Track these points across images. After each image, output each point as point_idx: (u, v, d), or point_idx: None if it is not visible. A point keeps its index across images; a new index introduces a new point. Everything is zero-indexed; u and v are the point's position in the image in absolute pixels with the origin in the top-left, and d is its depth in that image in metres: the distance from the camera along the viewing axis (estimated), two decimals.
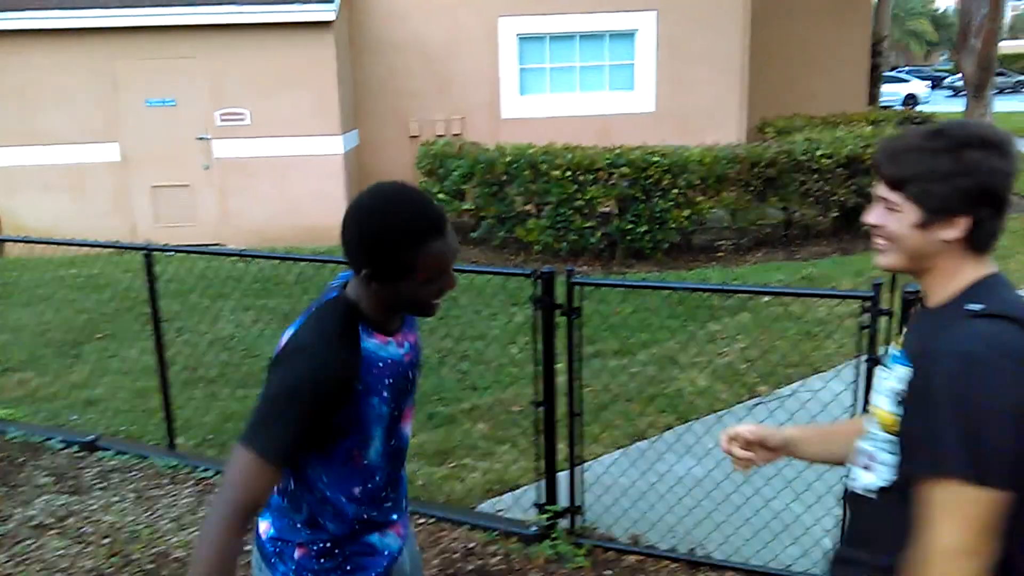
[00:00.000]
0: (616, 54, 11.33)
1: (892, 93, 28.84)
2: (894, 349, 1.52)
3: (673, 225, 8.52)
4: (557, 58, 11.38)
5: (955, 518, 1.30)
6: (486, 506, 3.88)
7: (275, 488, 1.64)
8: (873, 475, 1.49)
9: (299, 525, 1.72)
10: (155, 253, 4.31)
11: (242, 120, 10.21)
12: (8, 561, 3.47)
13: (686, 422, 4.66)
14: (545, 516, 3.54)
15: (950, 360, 1.33)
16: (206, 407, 5.08)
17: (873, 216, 1.50)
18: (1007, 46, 42.13)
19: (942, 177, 1.40)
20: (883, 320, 3.00)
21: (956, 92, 36.21)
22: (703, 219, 8.77)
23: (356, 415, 1.63)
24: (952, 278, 1.45)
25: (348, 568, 1.75)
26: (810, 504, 3.62)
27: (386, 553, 1.82)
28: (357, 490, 1.71)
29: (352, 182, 10.61)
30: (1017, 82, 38.35)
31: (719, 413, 4.74)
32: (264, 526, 1.77)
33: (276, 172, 10.29)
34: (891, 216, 1.47)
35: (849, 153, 8.71)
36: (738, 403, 4.89)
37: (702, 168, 8.47)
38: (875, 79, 16.01)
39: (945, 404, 1.31)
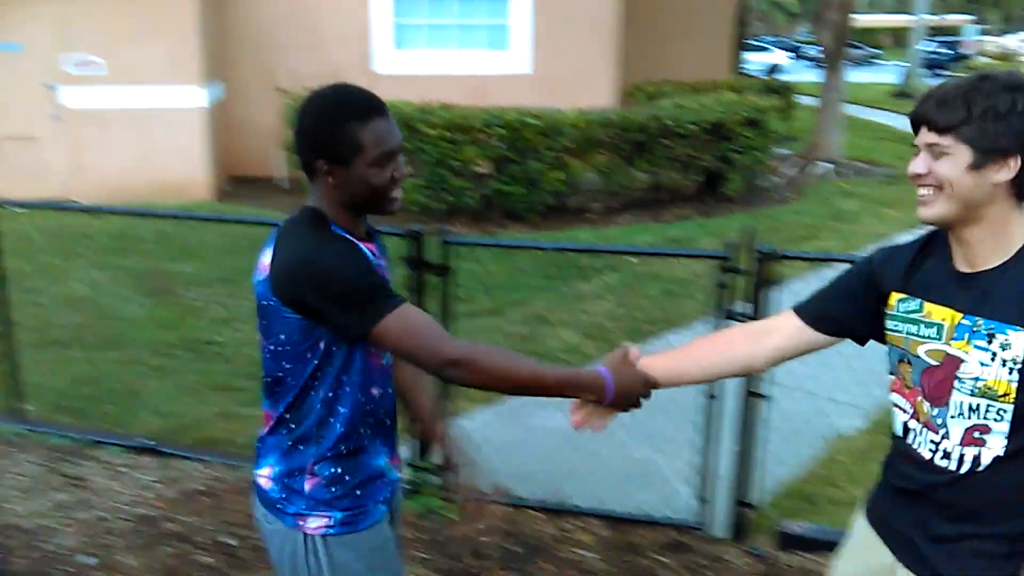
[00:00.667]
0: (493, 13, 11.26)
1: (756, 62, 29.99)
2: (958, 320, 1.48)
3: (547, 187, 8.63)
4: (434, 14, 11.21)
5: None
6: None
7: (269, 423, 1.75)
8: (982, 447, 1.48)
9: (304, 446, 1.72)
10: None
11: (96, 68, 9.55)
12: None
13: None
14: (417, 473, 3.58)
15: None
16: (57, 371, 4.81)
17: (920, 165, 1.49)
18: (864, 20, 44.56)
19: (996, 117, 1.41)
20: (738, 279, 3.16)
21: (815, 63, 38.07)
22: (576, 181, 8.93)
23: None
24: (1005, 231, 1.47)
25: (359, 494, 1.75)
26: (667, 453, 3.80)
27: (387, 480, 1.84)
28: (376, 391, 1.75)
29: (216, 136, 10.16)
30: (870, 55, 40.65)
31: (581, 368, 4.88)
32: (265, 472, 1.77)
33: (134, 124, 9.71)
34: (941, 161, 1.46)
35: (714, 119, 9.03)
36: (602, 357, 5.05)
37: (576, 131, 8.59)
38: (740, 47, 16.62)
39: None
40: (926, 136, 1.48)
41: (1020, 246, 1.46)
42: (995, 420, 1.45)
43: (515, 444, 3.88)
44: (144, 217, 4.12)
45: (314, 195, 1.72)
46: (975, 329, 1.46)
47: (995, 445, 1.47)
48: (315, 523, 1.72)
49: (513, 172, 8.49)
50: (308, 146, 1.66)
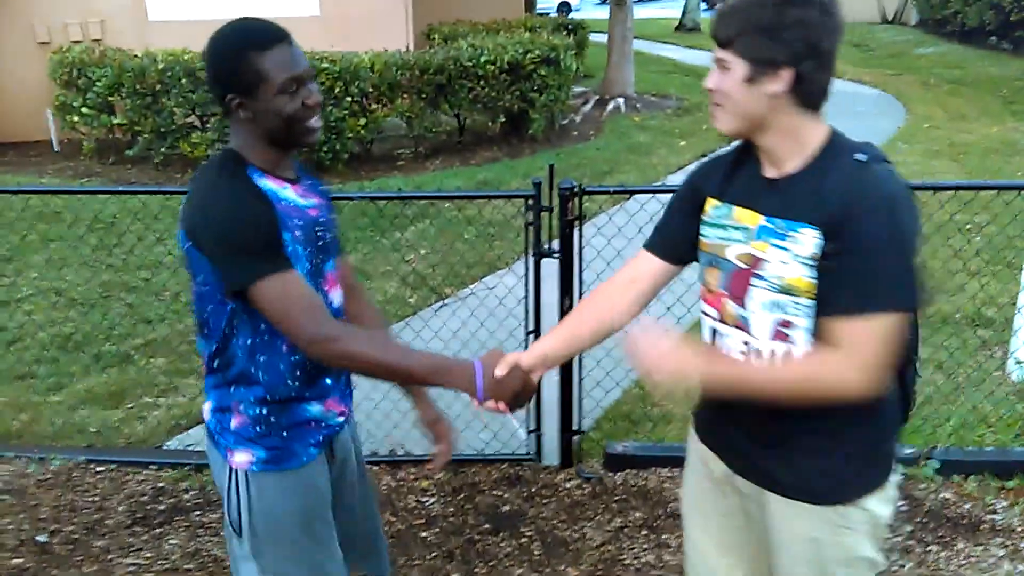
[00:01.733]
0: None
1: (547, 1, 30.44)
2: (760, 222, 1.55)
3: (351, 135, 8.39)
4: None
5: (887, 343, 1.45)
6: (173, 443, 3.66)
7: (203, 364, 1.75)
8: (787, 343, 1.55)
9: (232, 388, 1.72)
10: None
11: None
12: None
13: None
14: None
15: (887, 206, 1.43)
16: None
17: (709, 79, 1.55)
18: None
19: (765, 29, 1.45)
20: (544, 216, 3.22)
21: (603, 0, 39.21)
22: (380, 128, 8.75)
23: (284, 245, 1.64)
24: (797, 137, 1.53)
25: (285, 435, 1.74)
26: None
27: (323, 425, 1.81)
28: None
29: None
30: None
31: (407, 318, 4.87)
32: (206, 406, 1.80)
33: None
34: (723, 76, 1.52)
35: (510, 59, 9.10)
36: (426, 307, 5.06)
37: (374, 75, 8.38)
38: None
39: (892, 247, 1.43)
40: (715, 51, 1.54)
41: (814, 150, 1.53)
42: (797, 315, 1.52)
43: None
44: None
45: (234, 136, 1.70)
46: (775, 230, 1.52)
47: (800, 340, 1.53)
48: (240, 458, 1.74)
49: None
50: (216, 82, 1.65)
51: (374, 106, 8.55)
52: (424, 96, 8.85)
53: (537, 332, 3.36)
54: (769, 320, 1.55)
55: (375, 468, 3.44)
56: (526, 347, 3.34)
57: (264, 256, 1.59)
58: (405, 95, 8.73)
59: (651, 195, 3.36)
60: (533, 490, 3.33)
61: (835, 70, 1.52)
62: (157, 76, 7.97)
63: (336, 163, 8.43)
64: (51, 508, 3.19)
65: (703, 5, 27.98)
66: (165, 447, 3.62)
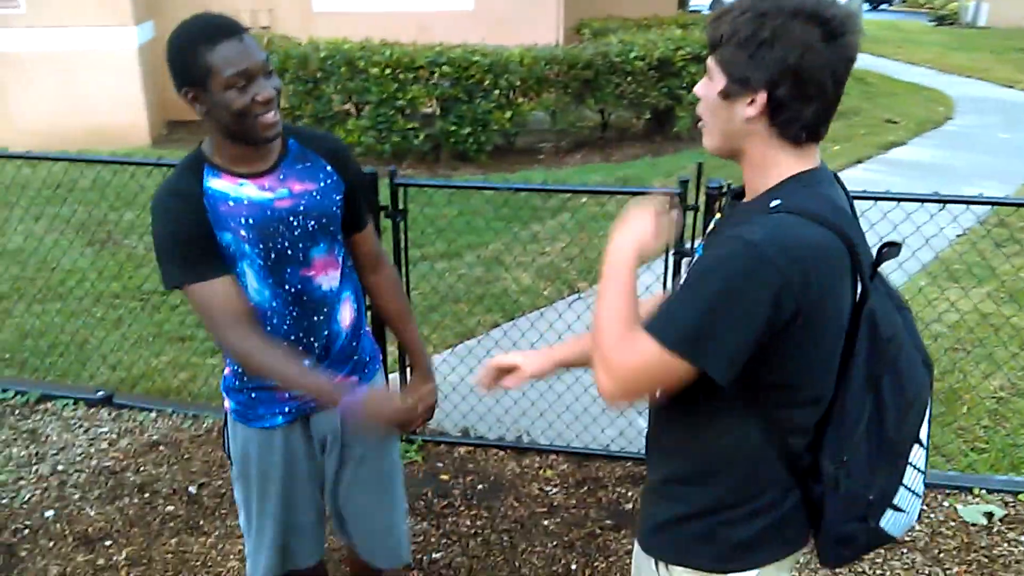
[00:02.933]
0: None
1: None
2: (699, 243, 1.47)
3: (496, 127, 8.53)
4: None
5: (645, 371, 1.28)
6: None
7: None
8: None
9: None
10: None
11: (16, 7, 9.05)
12: None
13: (511, 319, 4.81)
14: None
15: (729, 244, 1.24)
16: None
17: (698, 86, 1.37)
18: None
19: (744, 41, 1.25)
20: (689, 215, 3.19)
21: None
22: (525, 121, 8.84)
23: (218, 249, 1.75)
24: (764, 171, 1.34)
25: (253, 396, 1.94)
26: None
27: (288, 397, 1.92)
28: (275, 320, 1.85)
29: (149, 78, 9.76)
30: None
31: (542, 309, 4.92)
32: None
33: (60, 68, 9.26)
34: (706, 85, 1.35)
35: (660, 55, 8.99)
36: (560, 299, 5.09)
37: (523, 69, 8.47)
38: None
39: (699, 278, 1.26)
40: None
41: (777, 181, 1.33)
42: None
43: (477, 385, 3.90)
44: (80, 164, 3.95)
45: (208, 132, 1.79)
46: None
47: None
48: (226, 401, 2.01)
49: (461, 112, 8.37)
50: (173, 75, 1.69)
51: (520, 99, 8.65)
52: (570, 91, 8.87)
53: None
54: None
55: (501, 453, 3.51)
56: None
57: (180, 263, 1.73)
58: (551, 89, 8.79)
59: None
60: None
61: (832, 101, 1.28)
62: (319, 64, 8.37)
63: (480, 154, 8.59)
64: (201, 462, 3.44)
65: (866, 6, 26.62)
66: None
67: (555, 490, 3.30)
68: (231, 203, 1.74)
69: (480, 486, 3.31)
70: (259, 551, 2.07)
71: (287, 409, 1.94)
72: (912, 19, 26.26)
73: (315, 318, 1.87)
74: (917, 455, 1.44)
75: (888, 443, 1.39)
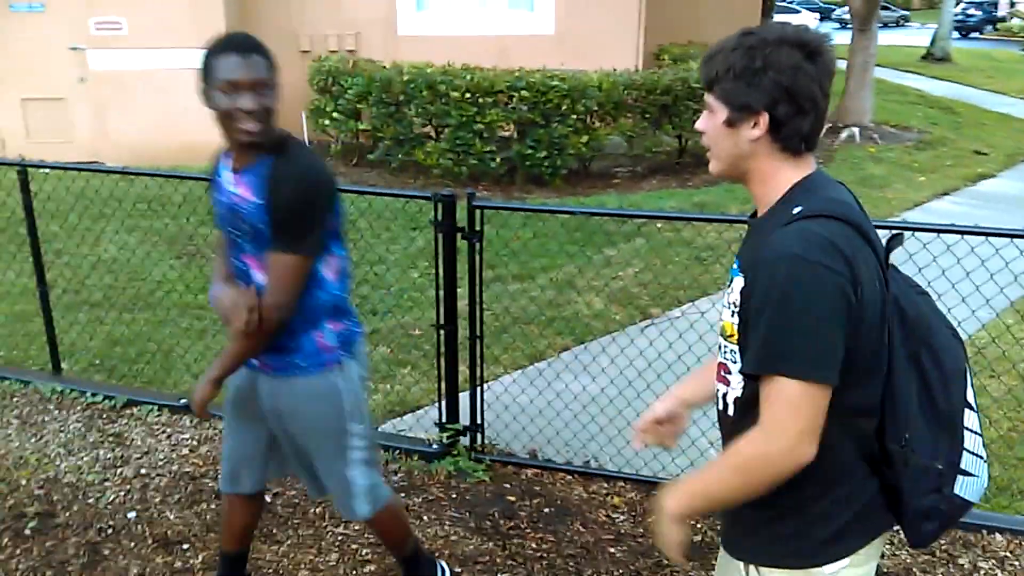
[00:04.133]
0: None
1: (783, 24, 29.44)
2: (735, 259, 1.57)
3: (572, 151, 8.57)
4: None
5: (799, 410, 1.37)
6: (387, 427, 3.92)
7: None
8: (728, 387, 1.55)
9: None
10: (30, 170, 4.05)
11: (118, 29, 9.54)
12: None
13: (582, 343, 4.81)
14: (447, 434, 3.62)
15: (777, 265, 1.37)
16: (91, 331, 4.89)
17: (699, 121, 1.55)
18: None
19: (741, 73, 1.43)
20: None
21: (843, 24, 37.33)
22: (601, 145, 8.86)
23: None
24: (771, 183, 1.49)
25: None
26: (696, 418, 3.81)
27: (249, 364, 2.31)
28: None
29: None
30: (900, 16, 39.78)
31: (613, 334, 4.91)
32: None
33: (156, 86, 9.70)
34: (708, 119, 1.52)
35: None
36: (631, 324, 5.07)
37: (601, 94, 8.51)
38: (767, 8, 16.31)
39: (783, 307, 1.36)
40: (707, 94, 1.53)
41: (779, 195, 1.48)
42: (731, 360, 1.52)
43: (544, 408, 3.91)
44: (172, 179, 4.14)
45: None
46: (732, 273, 1.53)
47: (735, 385, 1.52)
48: None
49: (538, 136, 8.44)
50: (199, 77, 2.08)
51: (597, 124, 8.67)
52: (648, 116, 8.86)
53: None
54: (716, 361, 1.59)
55: (568, 477, 3.50)
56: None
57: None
58: (629, 114, 8.80)
59: (887, 231, 3.17)
60: None
61: (823, 112, 1.47)
62: (401, 87, 8.57)
63: (554, 178, 8.64)
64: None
65: (955, 34, 25.87)
66: (380, 429, 3.88)
67: (622, 517, 3.27)
68: (219, 179, 2.23)
69: (546, 509, 3.31)
70: (222, 463, 2.54)
71: (252, 366, 2.33)
72: (1005, 48, 25.38)
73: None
74: (970, 419, 1.53)
75: (941, 414, 1.49)
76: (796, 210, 1.42)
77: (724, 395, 1.56)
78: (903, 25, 38.55)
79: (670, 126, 9.05)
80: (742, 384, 1.50)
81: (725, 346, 1.53)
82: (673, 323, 4.48)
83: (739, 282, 1.46)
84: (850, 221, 1.40)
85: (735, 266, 1.52)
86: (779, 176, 1.49)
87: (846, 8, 15.45)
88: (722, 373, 1.56)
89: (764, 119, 1.44)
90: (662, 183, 8.91)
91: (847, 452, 1.47)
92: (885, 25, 32.12)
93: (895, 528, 1.56)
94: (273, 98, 2.10)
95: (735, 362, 1.50)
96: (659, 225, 6.80)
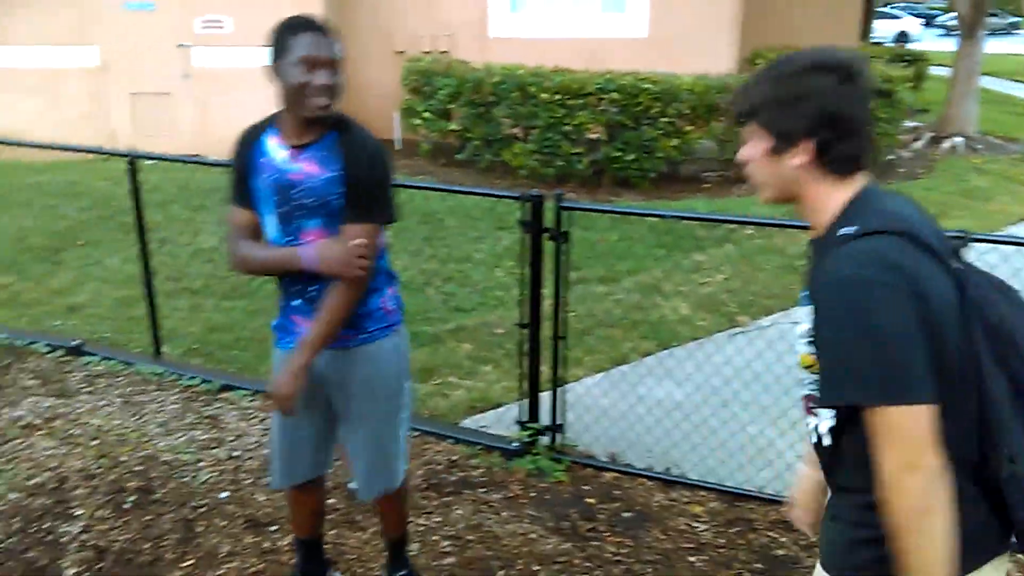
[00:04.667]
0: None
1: (884, 29, 28.50)
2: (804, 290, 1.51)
3: (661, 154, 8.48)
4: None
5: (892, 439, 1.32)
6: (469, 422, 3.96)
7: None
8: (817, 418, 1.50)
9: None
10: (138, 161, 4.25)
11: (222, 28, 9.92)
12: None
13: (667, 348, 4.75)
14: (527, 433, 3.63)
15: (835, 291, 1.35)
16: (191, 318, 5.10)
17: (741, 152, 1.54)
18: None
19: (782, 102, 1.43)
20: None
21: (949, 31, 35.87)
22: (691, 149, 8.74)
23: (248, 187, 2.24)
24: (822, 206, 1.47)
25: (280, 324, 2.41)
26: (784, 430, 3.73)
27: (288, 331, 2.37)
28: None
29: None
30: (1010, 24, 38.01)
31: (699, 340, 4.84)
32: None
33: (256, 84, 10.01)
34: (750, 148, 1.51)
35: None
36: (718, 331, 4.98)
37: (693, 97, 8.39)
38: (868, 14, 15.80)
39: (848, 332, 1.32)
40: (744, 127, 1.52)
41: (831, 217, 1.46)
42: (812, 390, 1.48)
43: (626, 412, 3.89)
44: None
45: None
46: (801, 301, 1.50)
47: (825, 415, 1.48)
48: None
49: (627, 138, 8.38)
50: (269, 54, 2.15)
51: (688, 128, 8.56)
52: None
53: None
54: (802, 393, 1.54)
55: (648, 483, 3.47)
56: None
57: (231, 190, 2.29)
58: (721, 118, 8.65)
59: (992, 245, 3.03)
60: (812, 540, 3.14)
61: (868, 131, 1.45)
62: (491, 88, 8.64)
63: (642, 181, 8.57)
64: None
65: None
66: (461, 424, 3.93)
67: (703, 527, 3.22)
68: (265, 159, 2.21)
69: (626, 514, 3.28)
70: (273, 460, 2.52)
71: (285, 339, 2.37)
72: None
73: (311, 272, 2.20)
74: None
75: None
76: (850, 230, 1.39)
77: (816, 427, 1.51)
78: (1013, 32, 36.79)
79: None
80: (833, 413, 1.45)
81: (807, 378, 1.49)
82: (763, 332, 4.38)
83: (808, 311, 1.43)
84: (906, 232, 1.36)
85: (804, 293, 1.48)
86: (830, 198, 1.47)
87: (953, 14, 14.84)
88: (809, 405, 1.52)
89: (807, 146, 1.43)
90: (752, 189, 8.70)
91: (950, 471, 1.38)
92: (993, 32, 30.73)
93: (1013, 551, 1.50)
94: (343, 77, 2.17)
95: (816, 390, 1.45)
96: (750, 231, 6.66)
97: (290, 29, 2.10)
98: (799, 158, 1.45)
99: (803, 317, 1.46)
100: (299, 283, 2.27)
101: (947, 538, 1.33)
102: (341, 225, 2.20)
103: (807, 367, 1.48)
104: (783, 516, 3.26)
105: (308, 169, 2.18)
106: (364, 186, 2.18)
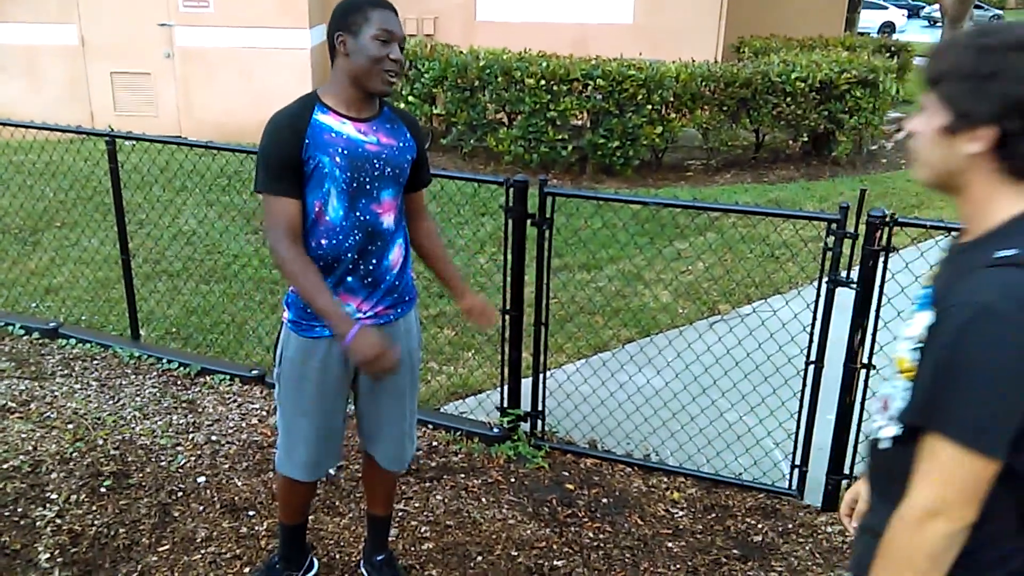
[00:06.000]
0: None
1: (869, 20, 28.56)
2: (922, 288, 1.38)
3: (645, 142, 8.47)
4: None
5: (941, 475, 1.22)
6: (450, 408, 3.96)
7: None
8: (885, 420, 1.41)
9: None
10: (118, 141, 4.19)
11: (205, 7, 9.79)
12: None
13: (647, 336, 4.76)
14: (508, 419, 3.64)
15: (964, 312, 1.20)
16: (169, 300, 5.05)
17: (913, 121, 1.36)
18: None
19: (967, 76, 1.24)
20: (847, 244, 3.06)
21: (932, 22, 36.03)
22: (675, 137, 8.74)
23: (310, 168, 2.15)
24: (986, 208, 1.29)
25: (307, 311, 2.28)
26: (763, 417, 3.75)
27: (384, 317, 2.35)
28: (324, 242, 2.21)
29: (318, 78, 10.32)
30: (993, 16, 38.18)
31: (680, 328, 4.85)
32: None
33: (240, 64, 9.94)
34: (923, 120, 1.33)
35: (823, 78, 8.67)
36: (699, 319, 5.00)
37: (678, 85, 8.38)
38: (854, 4, 15.82)
39: (953, 360, 1.21)
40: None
41: (993, 227, 1.28)
42: (899, 397, 1.37)
43: (606, 399, 3.89)
44: (252, 155, 4.23)
45: (330, 79, 2.23)
46: (920, 300, 1.36)
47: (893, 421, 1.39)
48: (284, 313, 2.39)
49: (611, 125, 8.36)
50: (333, 28, 2.17)
51: (672, 115, 8.55)
52: (725, 109, 8.70)
53: (819, 363, 3.20)
54: (885, 390, 1.42)
55: (628, 469, 3.48)
56: (805, 383, 3.20)
57: (271, 175, 2.14)
58: (706, 106, 8.64)
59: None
60: (789, 526, 3.18)
61: None
62: (477, 72, 8.58)
63: (626, 168, 8.56)
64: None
65: None
66: (442, 410, 3.92)
67: (681, 513, 3.24)
68: (333, 134, 2.17)
69: (605, 500, 3.30)
70: (293, 449, 2.44)
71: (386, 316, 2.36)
72: None
73: (372, 247, 2.26)
74: None
75: None
76: (1008, 253, 1.22)
77: (880, 427, 1.42)
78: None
79: (748, 120, 8.86)
80: (902, 424, 1.36)
81: (895, 379, 1.39)
82: (744, 320, 4.39)
83: (925, 317, 1.29)
84: None
85: (924, 295, 1.34)
86: (996, 202, 1.28)
87: (936, 6, 14.87)
88: (881, 403, 1.43)
89: (987, 133, 1.24)
90: (737, 178, 8.75)
91: (1004, 512, 1.29)
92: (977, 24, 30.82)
93: None
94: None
95: (901, 398, 1.36)
96: (732, 220, 6.68)
97: (369, 4, 2.15)
98: (975, 145, 1.26)
99: (916, 320, 1.32)
100: (370, 261, 2.28)
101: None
102: (408, 193, 2.39)
103: (902, 371, 1.36)
104: (759, 503, 3.29)
105: (385, 140, 2.25)
106: (424, 154, 2.40)
